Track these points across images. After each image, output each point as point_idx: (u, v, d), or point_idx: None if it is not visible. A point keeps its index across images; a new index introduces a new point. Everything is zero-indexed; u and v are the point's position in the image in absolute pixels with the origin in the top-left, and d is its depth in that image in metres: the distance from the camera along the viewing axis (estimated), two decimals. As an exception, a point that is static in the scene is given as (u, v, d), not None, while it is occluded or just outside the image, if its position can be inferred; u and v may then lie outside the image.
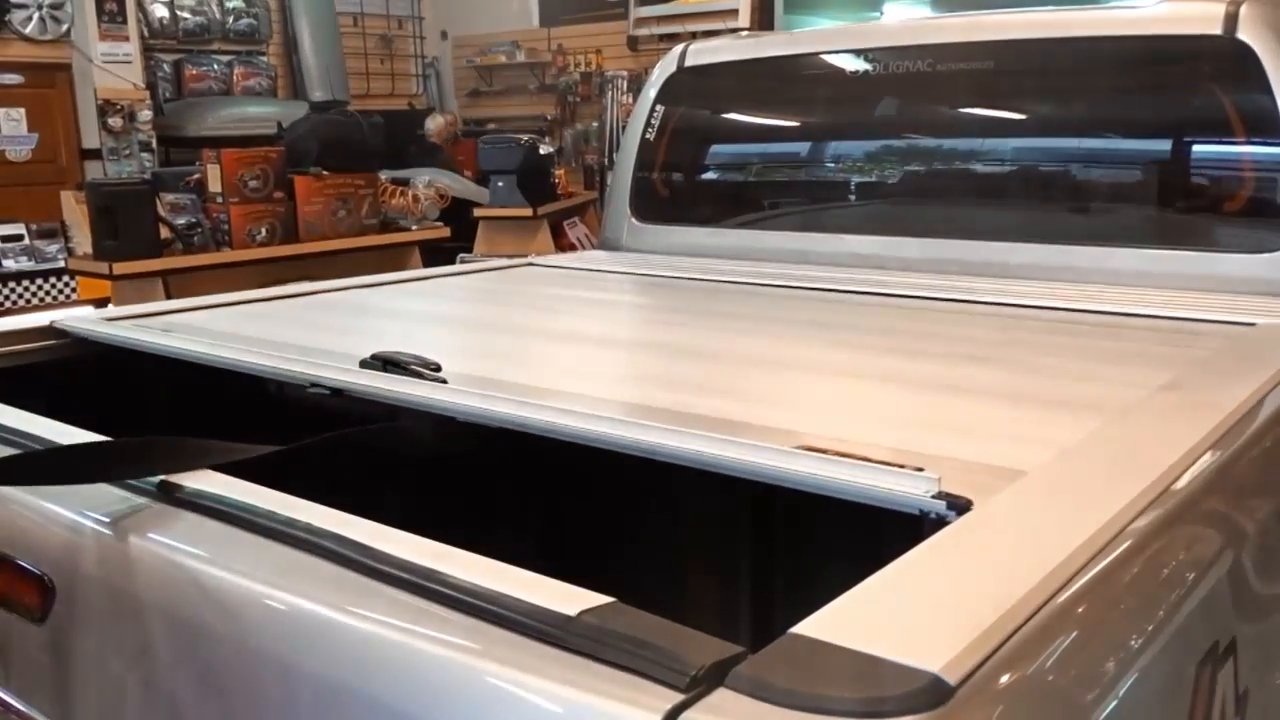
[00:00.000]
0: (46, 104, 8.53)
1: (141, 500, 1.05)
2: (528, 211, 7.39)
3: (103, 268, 4.91)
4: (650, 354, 1.87)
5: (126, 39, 8.66)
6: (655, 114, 2.90)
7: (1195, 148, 2.29)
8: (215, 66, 9.78)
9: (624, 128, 3.57)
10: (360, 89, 11.06)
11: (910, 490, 0.97)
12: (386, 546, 0.87)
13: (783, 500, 1.07)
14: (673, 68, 2.91)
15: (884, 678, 0.66)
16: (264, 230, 5.28)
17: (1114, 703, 0.80)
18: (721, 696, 0.66)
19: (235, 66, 9.91)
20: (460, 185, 8.10)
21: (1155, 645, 0.89)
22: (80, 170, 8.55)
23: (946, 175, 2.58)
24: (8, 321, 1.94)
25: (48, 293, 8.09)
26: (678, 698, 0.66)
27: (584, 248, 7.42)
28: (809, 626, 0.72)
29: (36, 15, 8.32)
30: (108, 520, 1.03)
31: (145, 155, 8.68)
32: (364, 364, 1.46)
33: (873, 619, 0.75)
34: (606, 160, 9.83)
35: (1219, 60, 2.13)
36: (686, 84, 2.90)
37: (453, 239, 6.46)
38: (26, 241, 8.06)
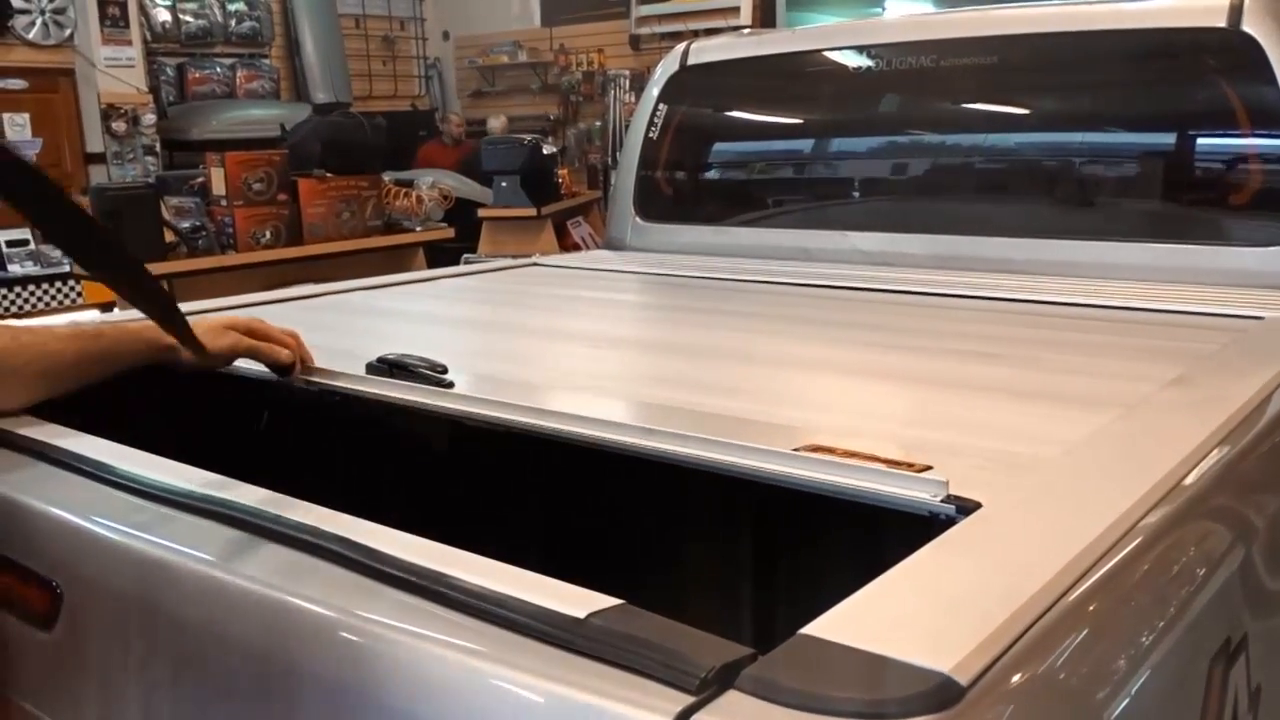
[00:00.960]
0: (50, 109, 8.54)
1: (149, 505, 1.05)
2: (531, 212, 7.39)
3: (107, 272, 4.90)
4: (656, 353, 1.87)
5: (129, 43, 8.68)
6: (658, 113, 2.89)
7: (1201, 141, 2.28)
8: (218, 69, 9.80)
9: (627, 127, 3.57)
10: (363, 90, 11.08)
11: (918, 493, 0.96)
12: (392, 549, 0.87)
13: (790, 499, 1.06)
14: (675, 66, 2.91)
15: (894, 679, 0.66)
16: (268, 233, 5.28)
17: (1126, 701, 0.80)
18: (731, 698, 0.66)
19: (238, 69, 9.93)
20: (464, 186, 8.11)
21: (1167, 642, 0.88)
22: (84, 174, 8.56)
23: (951, 171, 2.57)
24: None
25: (53, 297, 8.10)
26: (688, 700, 0.66)
27: (588, 247, 7.42)
28: (818, 627, 0.71)
29: (39, 20, 8.33)
30: (115, 525, 1.03)
31: (149, 159, 8.70)
32: (370, 367, 1.46)
33: (882, 619, 0.74)
34: (610, 160, 9.83)
35: (1224, 53, 2.12)
36: (689, 82, 2.89)
37: (457, 240, 6.46)
38: (32, 246, 8.08)
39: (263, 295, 2.31)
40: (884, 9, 10.31)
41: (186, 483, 1.06)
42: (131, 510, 1.05)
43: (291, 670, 0.86)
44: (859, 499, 1.00)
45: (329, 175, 5.53)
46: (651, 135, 2.90)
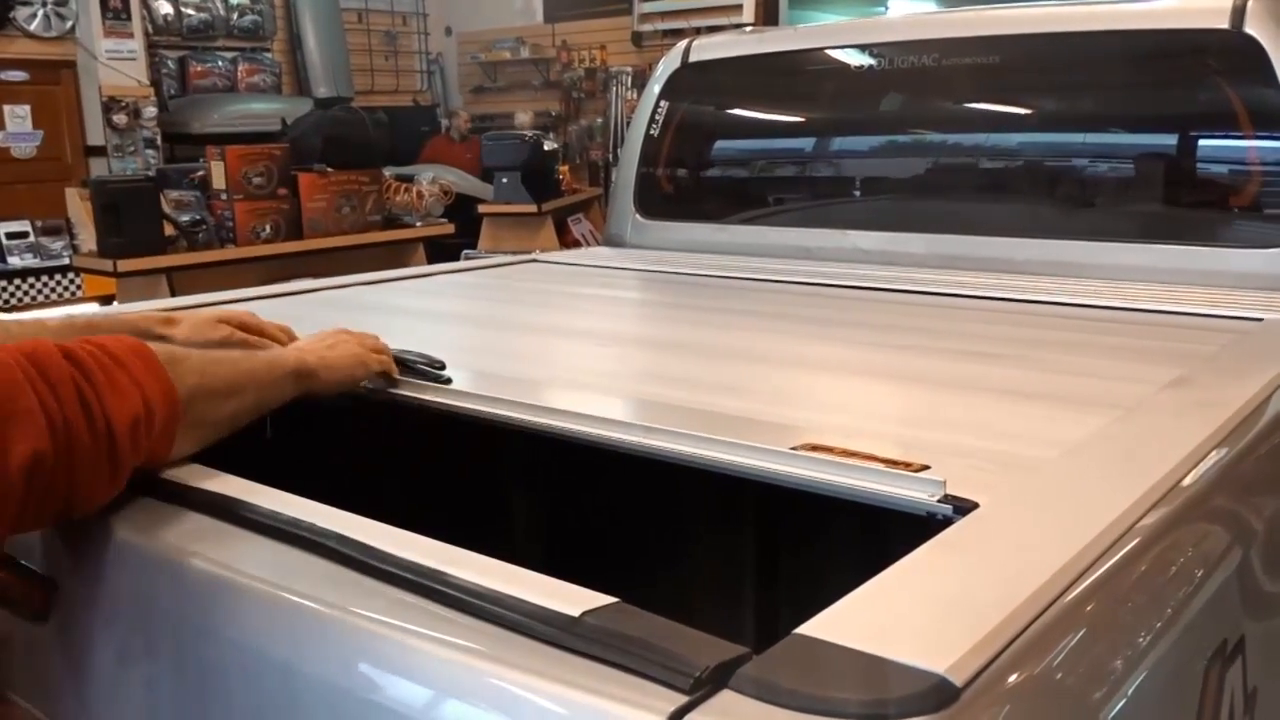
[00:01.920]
0: (51, 101, 8.54)
1: (145, 499, 1.05)
2: (532, 208, 7.39)
3: (107, 265, 4.91)
4: (655, 350, 1.87)
5: (131, 36, 8.66)
6: (659, 110, 2.89)
7: (1202, 142, 2.28)
8: (220, 63, 9.78)
9: (628, 124, 3.57)
10: (364, 85, 11.07)
11: (915, 493, 0.96)
12: (389, 546, 0.87)
13: (788, 498, 1.06)
14: (677, 63, 2.90)
15: (890, 679, 0.65)
16: (268, 227, 5.28)
17: (1122, 702, 0.80)
18: (726, 698, 0.66)
19: (240, 63, 9.91)
20: (464, 181, 8.10)
21: (1163, 644, 0.88)
22: (85, 167, 8.56)
23: (952, 170, 2.57)
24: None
25: (53, 290, 8.10)
26: (682, 699, 0.66)
27: (588, 244, 7.42)
28: (814, 627, 0.71)
29: (41, 12, 8.32)
30: (111, 519, 1.03)
31: (150, 152, 8.69)
32: None
33: (878, 620, 0.74)
34: (611, 157, 9.82)
35: (1226, 54, 2.12)
36: (691, 80, 2.89)
37: (457, 235, 6.46)
38: (31, 238, 8.08)
39: (259, 290, 2.31)
40: (886, 8, 10.31)
41: (187, 478, 1.06)
42: (120, 503, 1.04)
43: (287, 666, 0.85)
44: (856, 498, 0.99)
45: (329, 170, 5.53)
46: (652, 132, 2.90)
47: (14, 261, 7.98)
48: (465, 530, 0.96)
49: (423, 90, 11.88)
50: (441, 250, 5.95)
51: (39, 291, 8.08)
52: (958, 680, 0.65)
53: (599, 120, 10.66)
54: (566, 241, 7.72)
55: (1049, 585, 0.78)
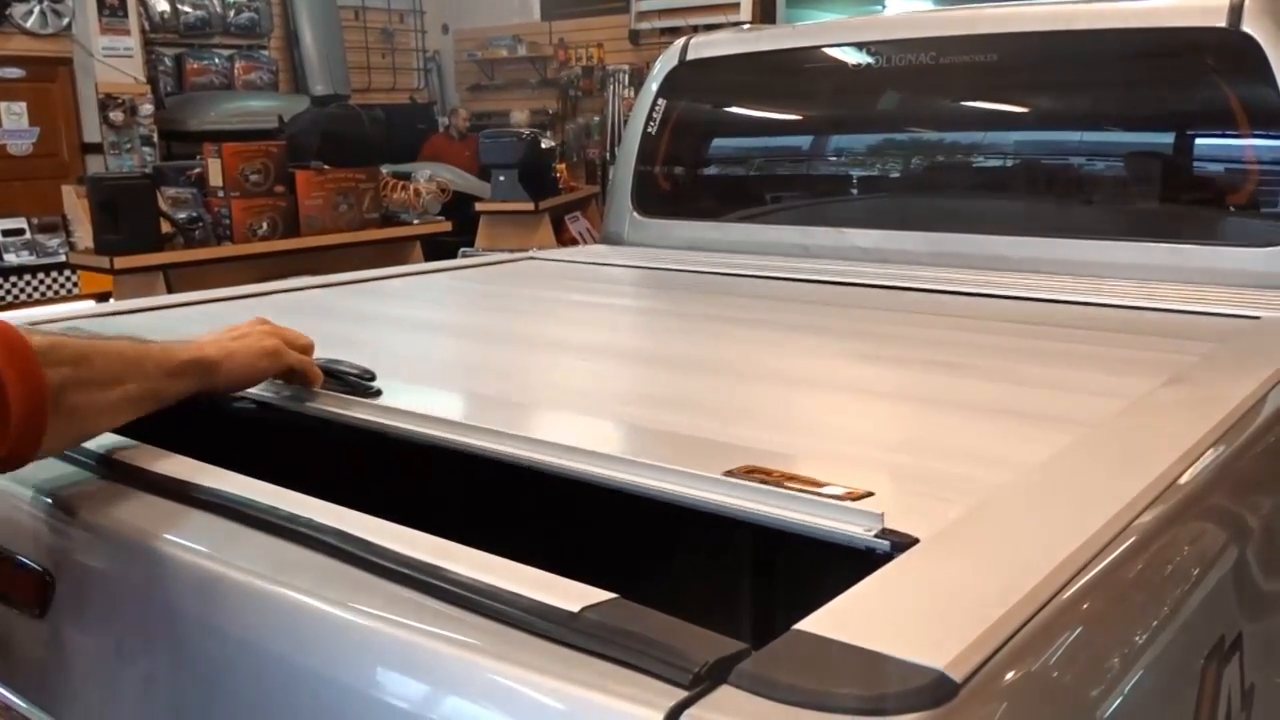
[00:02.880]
0: (48, 98, 8.52)
1: (142, 495, 1.05)
2: (529, 206, 7.39)
3: (104, 262, 4.91)
4: (625, 362, 1.77)
5: (127, 33, 8.64)
6: (657, 108, 2.89)
7: (1199, 141, 2.28)
8: (216, 61, 9.77)
9: (626, 122, 3.57)
10: (361, 83, 11.06)
11: (850, 527, 0.88)
12: (387, 542, 0.87)
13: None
14: (674, 61, 2.90)
15: (889, 675, 0.65)
16: (265, 224, 5.28)
17: (1119, 699, 0.80)
18: (724, 694, 0.66)
19: (236, 61, 9.91)
20: (462, 180, 8.10)
21: (1161, 641, 0.88)
22: (81, 164, 8.53)
23: (949, 168, 2.57)
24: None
25: (49, 287, 8.09)
26: (680, 695, 0.66)
27: (586, 242, 7.42)
28: (813, 623, 0.71)
29: (37, 9, 8.30)
30: (107, 514, 1.03)
31: (146, 149, 8.67)
32: None
33: (877, 616, 0.74)
34: (608, 155, 9.82)
35: (1223, 53, 2.12)
36: (688, 78, 2.89)
37: (454, 233, 6.46)
38: (28, 236, 8.07)
39: (247, 289, 2.22)
40: (884, 6, 10.30)
41: (178, 472, 1.06)
42: (118, 497, 1.04)
43: (284, 661, 0.85)
44: (786, 529, 0.92)
45: (326, 167, 5.53)
46: (650, 130, 2.89)
47: (10, 259, 7.96)
48: (458, 525, 0.96)
49: (420, 88, 11.87)
50: (439, 248, 5.95)
51: (35, 289, 8.07)
52: (957, 676, 0.65)
53: (596, 118, 10.66)
54: (564, 239, 7.71)
55: (1047, 582, 0.77)
